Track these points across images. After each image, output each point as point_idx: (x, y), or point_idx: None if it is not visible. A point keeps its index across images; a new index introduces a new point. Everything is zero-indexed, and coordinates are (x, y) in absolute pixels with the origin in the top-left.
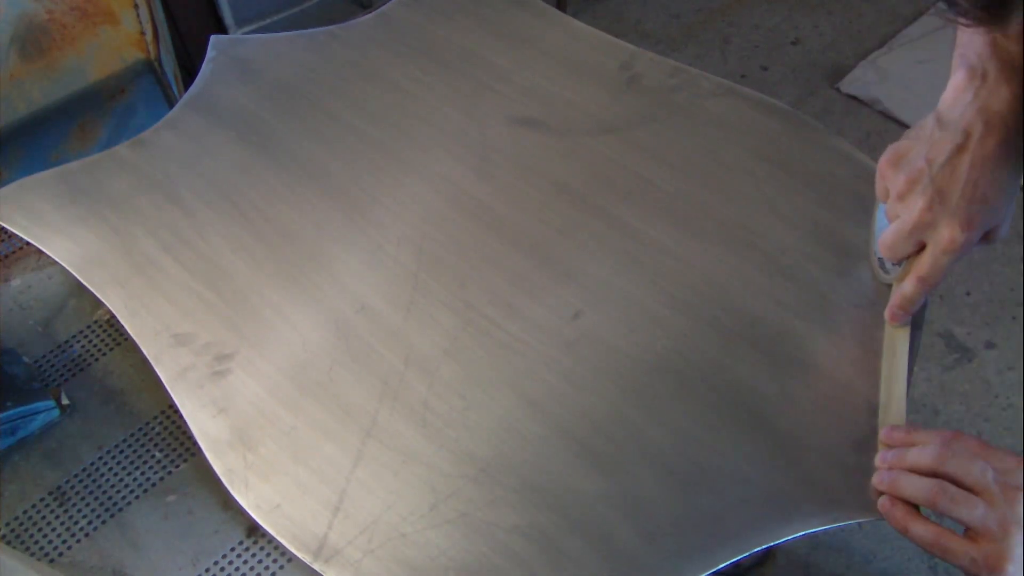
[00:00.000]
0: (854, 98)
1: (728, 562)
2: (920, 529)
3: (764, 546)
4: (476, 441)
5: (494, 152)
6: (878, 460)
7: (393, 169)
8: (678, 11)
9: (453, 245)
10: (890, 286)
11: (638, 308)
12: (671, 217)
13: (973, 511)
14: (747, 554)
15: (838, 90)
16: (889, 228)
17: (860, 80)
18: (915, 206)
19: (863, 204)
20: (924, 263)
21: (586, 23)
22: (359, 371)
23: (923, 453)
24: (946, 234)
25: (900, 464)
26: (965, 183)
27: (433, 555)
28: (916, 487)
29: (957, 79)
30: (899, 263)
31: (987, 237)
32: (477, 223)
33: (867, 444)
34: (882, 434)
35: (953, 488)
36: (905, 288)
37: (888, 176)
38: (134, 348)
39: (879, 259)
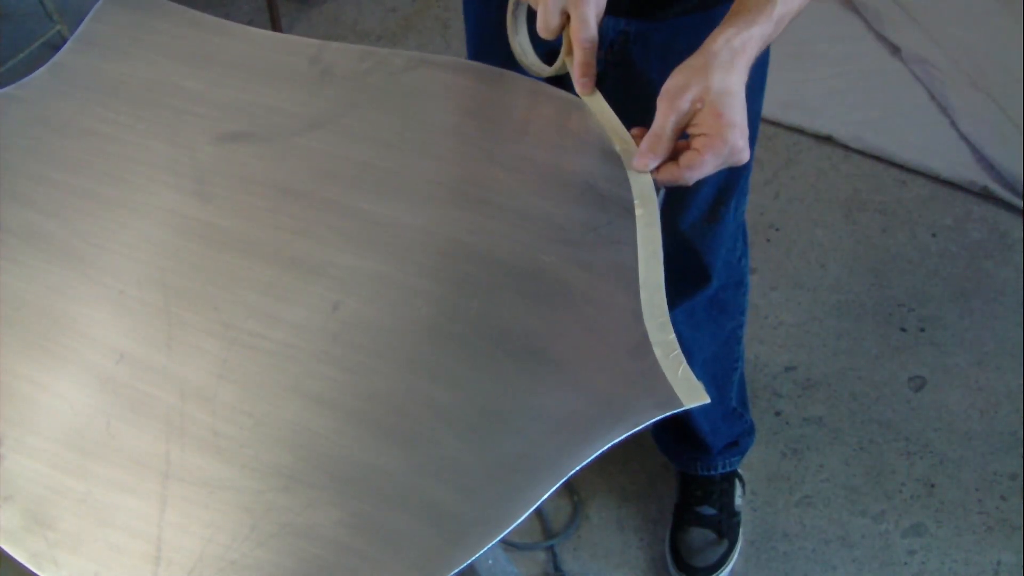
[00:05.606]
0: None
1: (548, 492)
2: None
3: (577, 467)
4: (275, 452)
5: (209, 173)
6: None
7: (112, 214)
8: (394, 5)
9: (195, 272)
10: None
11: (392, 285)
12: (399, 192)
13: None
14: (564, 479)
15: None
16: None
17: None
18: None
19: (571, 135)
20: (571, 25)
21: (303, 30)
22: (137, 419)
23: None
24: None
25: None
26: None
27: (268, 573)
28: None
29: None
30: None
31: None
32: (212, 245)
33: (641, 349)
34: (636, 163)
35: None
36: (574, 56)
37: None
38: None
39: (536, 55)
